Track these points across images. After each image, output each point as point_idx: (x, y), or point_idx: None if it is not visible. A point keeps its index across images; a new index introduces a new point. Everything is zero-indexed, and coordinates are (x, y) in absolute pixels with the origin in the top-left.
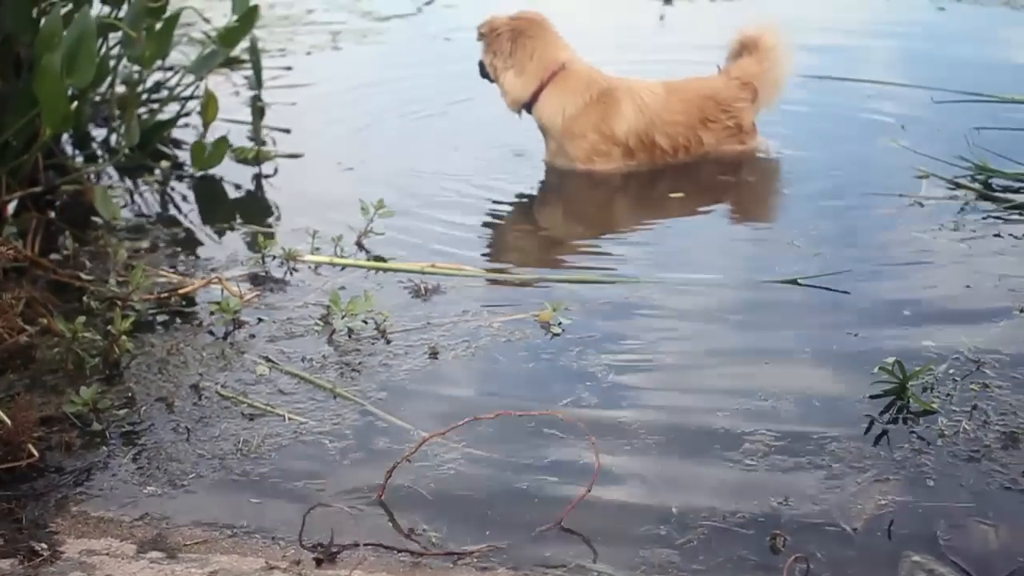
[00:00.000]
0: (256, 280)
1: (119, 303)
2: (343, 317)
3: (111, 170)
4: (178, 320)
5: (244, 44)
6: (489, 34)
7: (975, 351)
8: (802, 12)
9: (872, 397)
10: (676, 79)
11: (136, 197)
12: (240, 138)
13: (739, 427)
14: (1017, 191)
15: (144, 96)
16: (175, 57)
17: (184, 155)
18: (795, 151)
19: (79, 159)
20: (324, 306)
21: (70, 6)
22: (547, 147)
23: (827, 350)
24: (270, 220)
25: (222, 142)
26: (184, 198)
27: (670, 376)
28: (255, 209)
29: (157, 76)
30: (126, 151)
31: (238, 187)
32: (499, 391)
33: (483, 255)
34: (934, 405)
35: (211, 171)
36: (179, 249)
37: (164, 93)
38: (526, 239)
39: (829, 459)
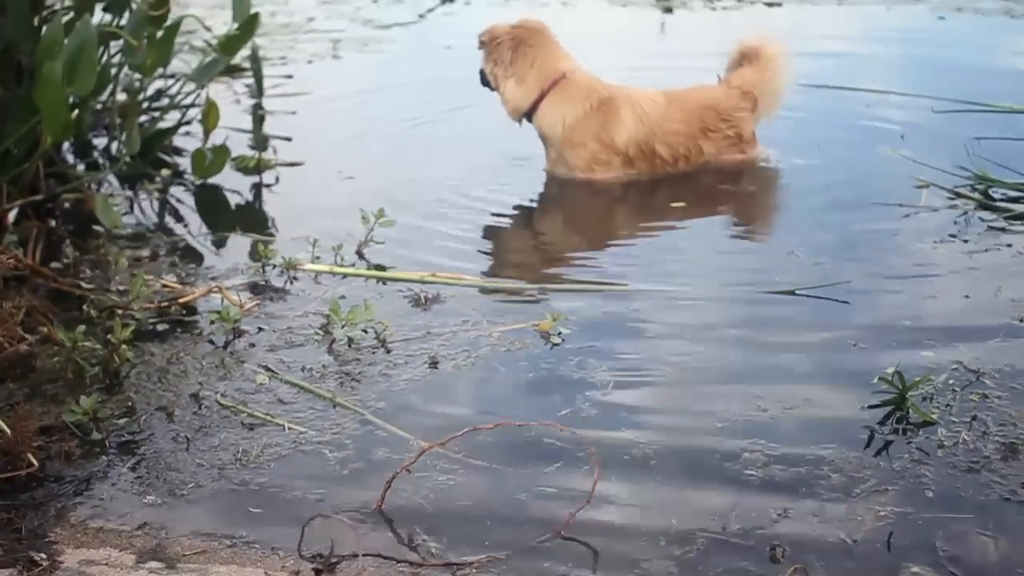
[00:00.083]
0: (256, 289)
1: (119, 312)
2: (343, 326)
3: (112, 178)
4: (178, 329)
5: (245, 52)
6: (490, 43)
7: (975, 362)
8: (802, 20)
9: (871, 407)
10: (676, 88)
11: (137, 205)
12: (241, 146)
13: (738, 438)
14: (1017, 201)
15: (145, 104)
16: (176, 65)
17: (185, 163)
18: (795, 160)
19: (80, 167)
20: (324, 315)
21: (71, 14)
22: (547, 156)
23: (826, 360)
24: (270, 229)
25: (223, 150)
26: (185, 206)
27: (670, 387)
28: (255, 218)
29: (158, 84)
30: (127, 159)
31: (239, 195)
32: (499, 401)
33: (483, 264)
34: (934, 416)
35: (212, 179)
36: (180, 258)
37: (165, 101)
38: (526, 248)
39: (828, 469)
